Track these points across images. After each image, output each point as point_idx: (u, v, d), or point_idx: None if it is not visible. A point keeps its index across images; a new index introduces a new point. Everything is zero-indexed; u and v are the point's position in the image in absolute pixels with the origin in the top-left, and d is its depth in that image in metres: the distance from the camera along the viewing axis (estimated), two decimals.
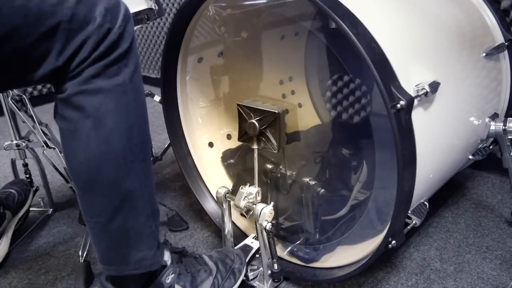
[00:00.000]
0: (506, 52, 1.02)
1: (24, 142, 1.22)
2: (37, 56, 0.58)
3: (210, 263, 0.89)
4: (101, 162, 0.65)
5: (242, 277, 0.92)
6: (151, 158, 0.76)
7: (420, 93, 0.73)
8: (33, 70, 0.59)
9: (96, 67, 0.61)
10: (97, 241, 0.73)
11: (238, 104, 0.93)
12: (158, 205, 0.76)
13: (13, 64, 0.59)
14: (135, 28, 1.07)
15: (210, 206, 1.14)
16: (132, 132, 0.66)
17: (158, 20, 2.44)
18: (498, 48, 0.99)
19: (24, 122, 1.16)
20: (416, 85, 0.74)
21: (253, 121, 0.91)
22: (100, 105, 0.63)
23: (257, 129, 0.90)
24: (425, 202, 0.87)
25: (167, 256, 0.81)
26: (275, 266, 0.92)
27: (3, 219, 1.11)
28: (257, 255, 1.00)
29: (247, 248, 1.00)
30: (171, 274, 0.79)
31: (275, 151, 0.91)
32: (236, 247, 1.00)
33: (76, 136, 0.64)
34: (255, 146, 0.94)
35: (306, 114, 1.34)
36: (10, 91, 1.16)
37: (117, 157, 0.65)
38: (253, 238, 1.04)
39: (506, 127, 0.98)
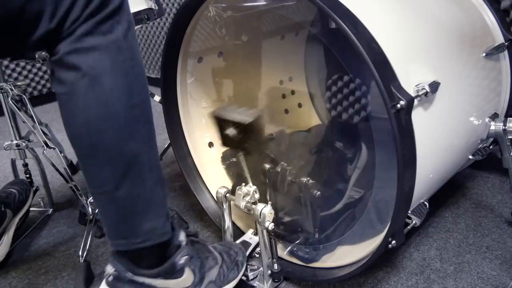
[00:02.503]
0: (506, 52, 1.02)
1: (24, 142, 1.22)
2: (30, 18, 0.57)
3: (215, 253, 0.89)
4: (101, 124, 0.63)
5: (243, 270, 0.92)
6: (155, 133, 0.74)
7: (420, 93, 0.73)
8: (28, 34, 0.59)
9: (88, 24, 0.60)
10: (104, 213, 0.70)
11: (212, 114, 0.92)
12: (163, 173, 0.74)
13: (6, 29, 0.58)
14: (135, 28, 1.08)
15: (210, 206, 1.14)
16: (131, 91, 0.65)
17: (158, 20, 2.45)
18: (498, 48, 0.99)
19: (24, 122, 1.16)
20: (416, 85, 0.75)
21: (230, 131, 0.90)
22: (95, 63, 0.61)
23: (236, 138, 0.90)
24: (425, 202, 0.87)
25: (182, 237, 0.79)
26: (275, 266, 0.92)
27: (4, 218, 1.11)
28: (257, 255, 1.00)
29: (246, 243, 1.00)
30: (185, 255, 0.77)
31: (260, 154, 0.90)
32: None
33: (74, 98, 0.62)
34: (239, 153, 0.93)
35: (306, 114, 1.34)
36: (10, 91, 1.16)
37: (117, 118, 0.63)
38: (251, 233, 1.04)
39: (506, 127, 0.98)
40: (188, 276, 0.79)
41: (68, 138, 0.66)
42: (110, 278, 0.76)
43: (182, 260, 0.77)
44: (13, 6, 0.56)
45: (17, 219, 1.17)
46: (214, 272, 0.85)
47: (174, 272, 0.77)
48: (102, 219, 0.72)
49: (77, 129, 0.64)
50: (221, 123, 0.91)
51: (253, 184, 0.93)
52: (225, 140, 0.93)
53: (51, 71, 0.63)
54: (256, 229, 0.96)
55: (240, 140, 0.90)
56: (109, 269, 0.76)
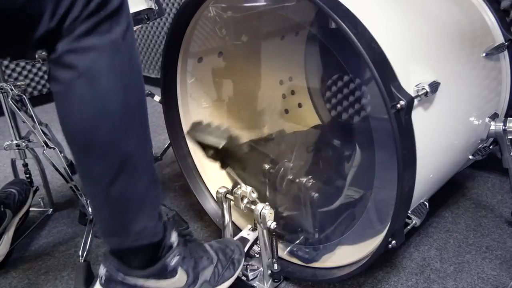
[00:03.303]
0: (506, 52, 1.02)
1: (24, 142, 1.22)
2: (31, 18, 0.58)
3: (211, 252, 0.88)
4: (96, 122, 0.63)
5: (241, 268, 0.92)
6: (150, 137, 0.75)
7: (420, 93, 0.73)
8: (28, 33, 0.59)
9: (87, 24, 0.60)
10: (98, 210, 0.71)
11: (188, 135, 0.92)
12: (158, 175, 0.74)
13: (7, 28, 0.58)
14: (135, 28, 1.08)
15: (210, 206, 1.14)
16: (127, 92, 0.65)
17: (158, 20, 2.45)
18: (498, 48, 0.99)
19: (24, 122, 1.16)
20: (416, 85, 0.75)
21: (208, 153, 0.91)
22: (93, 63, 0.61)
23: (214, 156, 0.91)
24: (425, 202, 0.87)
25: (174, 237, 0.79)
26: (275, 266, 0.92)
27: (3, 218, 1.11)
28: (257, 255, 1.00)
29: (243, 240, 1.00)
30: (177, 255, 0.78)
31: (242, 172, 0.90)
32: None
33: (70, 97, 0.62)
34: (222, 168, 0.94)
35: (306, 114, 1.34)
36: (10, 91, 1.16)
37: (113, 117, 0.64)
38: (249, 229, 1.04)
39: (506, 127, 0.98)
40: (181, 277, 0.79)
41: (63, 136, 0.67)
42: (103, 279, 0.76)
43: (174, 261, 0.77)
44: (14, 6, 0.56)
45: (17, 219, 1.17)
46: (208, 271, 0.85)
47: (166, 273, 0.77)
48: (96, 216, 0.73)
49: (72, 127, 0.64)
50: (198, 145, 0.92)
51: (252, 184, 0.93)
52: (209, 156, 0.94)
53: (48, 69, 0.64)
54: (255, 225, 0.96)
55: (222, 157, 0.91)
56: (102, 270, 0.76)
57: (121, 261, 0.74)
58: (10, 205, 1.15)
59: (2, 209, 1.11)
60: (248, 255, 0.99)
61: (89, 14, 0.60)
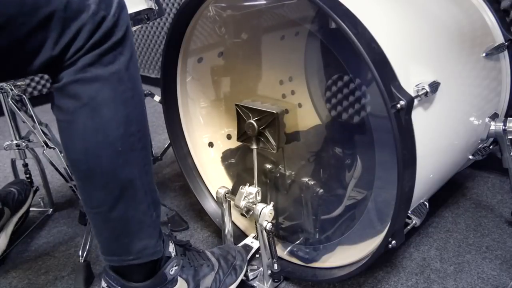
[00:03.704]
0: (506, 52, 1.02)
1: (24, 142, 1.22)
2: (34, 45, 0.58)
3: (213, 259, 0.89)
4: (98, 151, 0.64)
5: (243, 274, 0.92)
6: (151, 158, 0.76)
7: (420, 93, 0.73)
8: (30, 60, 0.59)
9: (92, 55, 0.61)
10: (98, 232, 0.72)
11: (236, 104, 0.93)
12: (158, 195, 0.76)
13: (10, 54, 0.59)
14: (135, 28, 1.08)
15: (210, 206, 1.14)
16: (129, 121, 0.66)
17: (158, 20, 2.45)
18: (498, 48, 0.99)
19: (24, 122, 1.16)
20: (416, 85, 0.74)
21: (252, 121, 0.91)
22: (96, 94, 0.62)
23: (256, 130, 0.90)
24: (425, 202, 0.87)
25: (171, 248, 0.80)
26: (275, 266, 0.92)
27: (1, 215, 1.11)
28: (257, 255, 1.00)
29: (247, 247, 1.00)
30: (175, 266, 0.79)
31: (274, 151, 0.91)
32: None
33: (73, 126, 0.64)
34: (254, 146, 0.93)
35: (306, 114, 1.34)
36: (10, 91, 1.16)
37: (114, 146, 0.65)
38: (253, 237, 1.04)
39: (506, 127, 0.98)
40: (181, 286, 0.81)
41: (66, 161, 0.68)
42: None
43: (172, 271, 0.79)
44: (20, 32, 0.57)
45: (15, 219, 1.17)
46: (209, 279, 0.86)
47: (165, 283, 0.78)
48: (96, 236, 0.74)
49: (75, 154, 0.66)
50: (244, 114, 0.91)
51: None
52: (243, 132, 0.93)
53: (52, 97, 0.65)
54: (256, 229, 0.96)
55: (259, 133, 0.90)
56: (103, 283, 0.78)
57: (121, 276, 0.76)
58: (8, 204, 1.15)
59: (0, 207, 1.11)
60: (250, 260, 0.99)
61: (93, 45, 0.61)
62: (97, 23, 0.60)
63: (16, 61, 0.60)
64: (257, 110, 0.90)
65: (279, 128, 0.89)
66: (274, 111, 0.88)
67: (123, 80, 0.64)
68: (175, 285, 0.80)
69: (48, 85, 2.57)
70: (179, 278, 0.80)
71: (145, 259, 0.74)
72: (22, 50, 0.58)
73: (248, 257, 0.97)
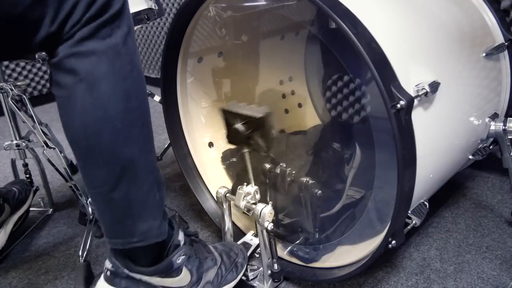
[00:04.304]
0: (506, 52, 1.02)
1: (24, 142, 1.22)
2: (32, 22, 0.58)
3: (216, 254, 0.89)
4: (98, 128, 0.64)
5: (243, 271, 0.92)
6: (153, 136, 0.75)
7: (420, 93, 0.73)
8: (29, 37, 0.59)
9: (88, 28, 0.60)
10: (101, 213, 0.71)
11: (222, 110, 0.92)
12: (161, 175, 0.74)
13: (8, 33, 0.58)
14: (135, 28, 1.08)
15: (210, 206, 1.14)
16: (128, 96, 0.65)
17: (158, 20, 2.45)
18: (498, 48, 0.99)
19: (24, 122, 1.16)
20: (416, 85, 0.74)
21: (238, 126, 0.90)
22: (93, 68, 0.61)
23: (244, 134, 0.90)
24: (425, 202, 0.87)
25: (181, 236, 0.80)
26: (275, 266, 0.92)
27: (2, 211, 1.11)
28: (257, 255, 1.00)
29: (246, 245, 1.01)
30: (182, 255, 0.78)
31: (265, 153, 0.90)
32: None
33: (72, 102, 0.63)
34: (244, 149, 0.93)
35: (306, 114, 1.34)
36: (10, 91, 1.16)
37: (114, 122, 0.64)
38: (252, 235, 1.04)
39: (506, 127, 0.98)
40: (185, 276, 0.80)
41: (66, 139, 0.67)
42: (108, 273, 0.77)
43: (179, 260, 0.78)
44: (16, 11, 0.56)
45: (15, 217, 1.17)
46: (212, 272, 0.85)
47: (171, 271, 0.77)
48: (99, 218, 0.73)
49: (74, 131, 0.65)
50: (230, 118, 0.91)
51: (254, 184, 0.93)
52: (232, 136, 0.92)
53: (50, 73, 0.64)
54: (256, 229, 0.96)
55: (248, 137, 0.90)
56: (107, 264, 0.77)
57: (127, 259, 0.75)
58: (9, 201, 1.15)
59: (1, 202, 1.11)
60: (249, 257, 0.99)
61: (90, 19, 0.60)
62: None
63: (15, 39, 0.60)
64: (242, 115, 0.89)
65: (267, 130, 0.88)
66: (259, 115, 0.86)
67: (120, 54, 0.63)
68: (179, 275, 0.79)
69: (48, 85, 2.58)
70: (184, 268, 0.79)
71: (149, 241, 0.73)
72: (21, 28, 0.58)
73: (248, 254, 0.97)
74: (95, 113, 0.63)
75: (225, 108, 0.91)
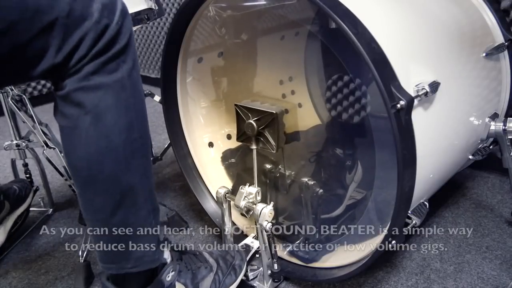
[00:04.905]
0: (506, 52, 1.02)
1: (24, 142, 1.22)
2: (36, 52, 0.58)
3: (211, 260, 0.89)
4: (101, 157, 0.65)
5: (243, 274, 0.92)
6: (151, 158, 0.76)
7: (420, 93, 0.73)
8: (32, 66, 0.59)
9: (95, 63, 0.61)
10: (97, 239, 0.73)
11: (235, 105, 0.93)
12: (158, 202, 0.76)
13: (12, 60, 0.59)
14: (135, 28, 1.08)
15: (210, 206, 1.14)
16: (131, 127, 0.67)
17: (158, 20, 2.44)
18: (498, 48, 0.99)
19: (24, 122, 1.17)
20: (416, 85, 0.74)
21: (251, 121, 0.91)
22: (99, 101, 0.63)
23: (255, 130, 0.90)
24: (425, 202, 0.87)
25: (166, 254, 0.81)
26: (275, 266, 0.92)
27: (1, 207, 1.11)
28: (257, 255, 1.00)
29: (247, 247, 1.00)
30: (171, 271, 0.79)
31: (274, 151, 0.91)
32: None
33: (76, 132, 0.64)
34: (253, 147, 0.93)
35: (306, 114, 1.34)
36: (10, 91, 1.16)
37: (116, 152, 0.66)
38: (253, 237, 1.04)
39: (506, 127, 0.98)
40: None
41: (67, 167, 0.68)
42: None
43: (169, 277, 0.79)
44: (20, 40, 0.57)
45: (15, 216, 1.17)
46: (208, 280, 0.86)
47: None
48: (95, 243, 0.74)
49: (77, 161, 0.66)
50: (243, 114, 0.91)
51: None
52: (242, 133, 0.93)
53: (55, 103, 0.65)
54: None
55: (259, 133, 0.90)
56: None
57: (118, 285, 0.76)
58: (9, 198, 1.16)
59: (1, 199, 1.11)
60: (250, 260, 0.99)
61: (97, 53, 0.61)
62: (100, 31, 0.60)
63: (18, 67, 0.60)
64: (256, 110, 0.90)
65: (279, 128, 0.89)
66: (273, 111, 0.88)
67: (125, 87, 0.65)
68: None
69: (48, 85, 2.57)
70: (177, 283, 0.81)
71: (143, 267, 0.74)
72: (24, 57, 0.59)
73: (248, 257, 0.97)
74: (99, 143, 0.65)
75: (239, 103, 0.92)
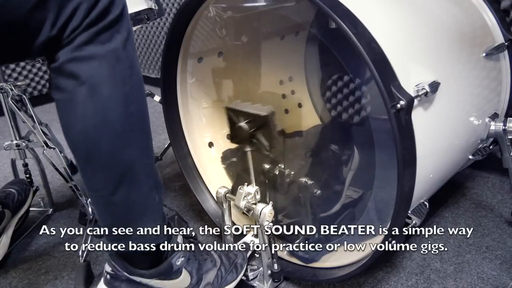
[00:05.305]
0: (506, 52, 1.02)
1: (24, 142, 1.22)
2: (32, 27, 0.58)
3: (215, 255, 0.90)
4: (98, 132, 0.64)
5: (243, 272, 0.93)
6: (152, 140, 0.75)
7: (420, 93, 0.73)
8: (29, 41, 0.59)
9: (88, 33, 0.61)
10: (101, 216, 0.72)
11: (226, 107, 0.92)
12: (160, 178, 0.75)
13: (9, 36, 0.59)
14: (135, 28, 1.08)
15: (210, 206, 1.14)
16: (128, 100, 0.66)
17: (158, 20, 2.45)
18: (498, 48, 0.99)
19: (24, 122, 1.16)
20: (416, 85, 0.74)
21: (242, 124, 0.90)
22: (94, 72, 0.62)
23: (247, 132, 0.90)
24: (425, 202, 0.87)
25: (179, 239, 0.81)
26: (275, 266, 0.92)
27: (2, 218, 1.11)
28: (257, 255, 1.00)
29: (246, 246, 1.00)
30: (182, 257, 0.79)
31: (268, 152, 0.90)
32: None
33: (72, 106, 0.63)
34: (247, 149, 0.93)
35: (306, 114, 1.34)
36: (10, 91, 1.16)
37: (114, 126, 0.65)
38: (252, 236, 1.04)
39: (506, 127, 0.98)
40: (185, 278, 0.80)
41: (67, 144, 0.67)
42: (108, 277, 0.77)
43: (178, 262, 0.79)
44: (17, 15, 0.57)
45: (16, 219, 1.17)
46: (211, 274, 0.86)
47: (170, 273, 0.78)
48: (100, 221, 0.73)
49: (75, 135, 0.65)
50: (234, 116, 0.91)
51: (255, 183, 0.93)
52: (235, 135, 0.92)
53: (49, 78, 0.64)
54: (256, 229, 0.95)
55: (251, 136, 0.90)
56: (107, 267, 0.78)
57: (127, 262, 0.75)
58: (9, 205, 1.15)
59: (1, 209, 1.11)
60: (249, 258, 0.99)
61: (90, 24, 0.60)
62: (94, 2, 0.60)
63: (15, 43, 0.60)
64: (247, 113, 0.89)
65: (271, 129, 0.88)
66: (263, 113, 0.86)
67: (120, 59, 0.64)
68: (179, 277, 0.80)
69: (48, 85, 2.57)
70: (183, 270, 0.80)
71: (150, 242, 0.74)
72: (21, 32, 0.58)
73: (248, 254, 0.98)
74: (95, 117, 0.64)
75: (229, 106, 0.91)
